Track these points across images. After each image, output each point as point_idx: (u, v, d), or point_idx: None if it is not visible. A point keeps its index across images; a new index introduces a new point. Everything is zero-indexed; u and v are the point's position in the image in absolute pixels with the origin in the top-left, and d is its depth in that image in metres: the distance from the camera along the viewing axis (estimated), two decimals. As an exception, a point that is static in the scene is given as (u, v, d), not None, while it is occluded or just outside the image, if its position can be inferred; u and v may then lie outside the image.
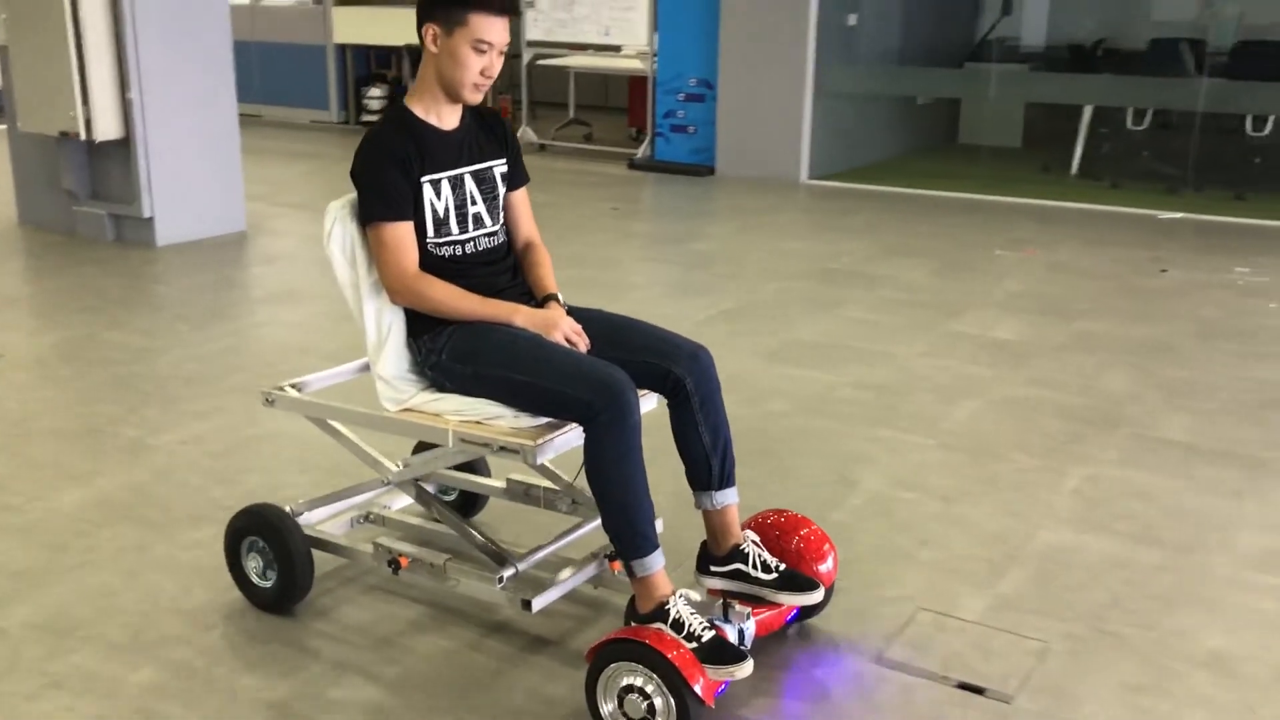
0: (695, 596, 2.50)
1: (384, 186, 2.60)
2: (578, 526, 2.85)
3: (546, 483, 2.99)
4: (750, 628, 2.53)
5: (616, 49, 9.98)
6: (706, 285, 6.06)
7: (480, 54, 2.59)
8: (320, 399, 2.88)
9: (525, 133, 10.56)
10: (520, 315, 2.61)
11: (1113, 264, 6.61)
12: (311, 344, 4.97)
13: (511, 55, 11.07)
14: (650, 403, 2.64)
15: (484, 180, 2.76)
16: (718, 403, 2.65)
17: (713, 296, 5.80)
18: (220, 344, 4.95)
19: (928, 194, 8.79)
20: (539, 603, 2.56)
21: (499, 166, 2.80)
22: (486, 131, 2.80)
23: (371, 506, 3.08)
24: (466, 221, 2.71)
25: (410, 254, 2.62)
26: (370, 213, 2.61)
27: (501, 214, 2.80)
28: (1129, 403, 4.37)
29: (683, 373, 2.59)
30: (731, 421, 2.73)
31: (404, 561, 2.72)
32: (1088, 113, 9.46)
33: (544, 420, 2.52)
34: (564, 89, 11.72)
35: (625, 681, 2.31)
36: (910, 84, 10.46)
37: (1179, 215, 8.01)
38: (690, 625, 2.37)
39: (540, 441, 2.44)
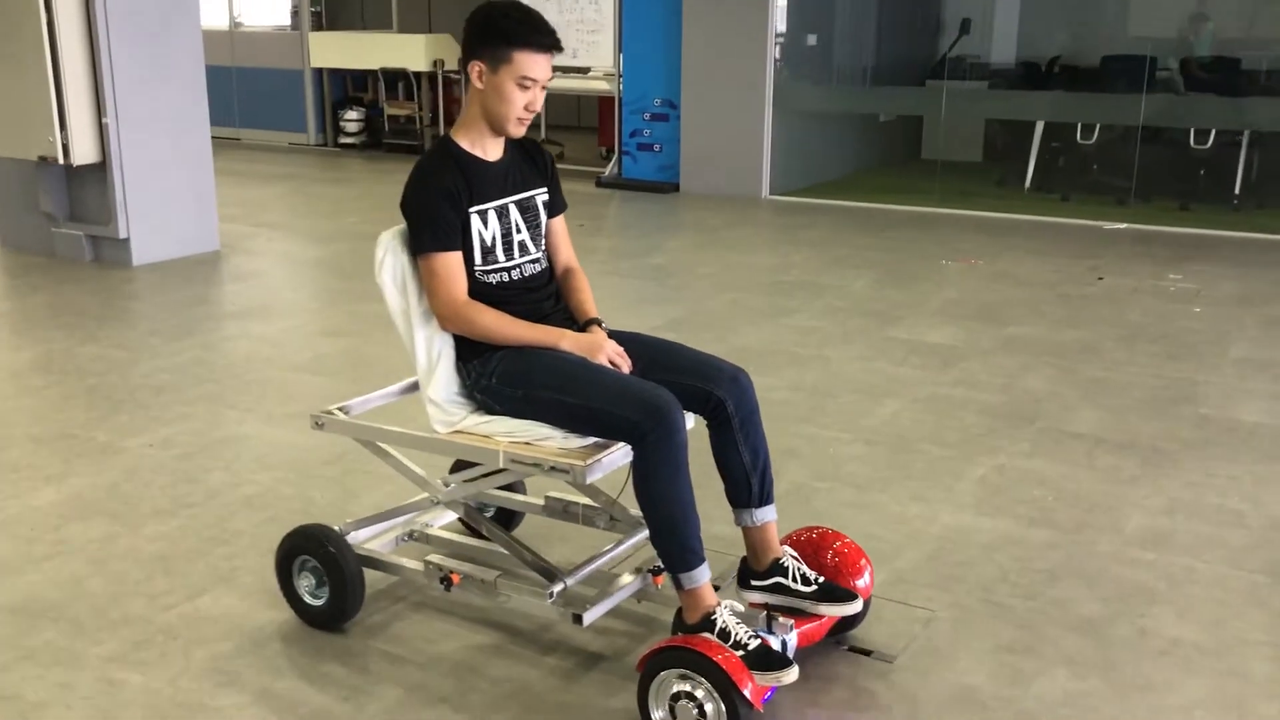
0: (740, 608, 2.64)
1: (434, 219, 2.69)
2: (620, 542, 2.92)
3: (586, 500, 3.07)
4: (793, 639, 2.64)
5: (584, 71, 10.28)
6: (659, 296, 6.33)
7: (525, 90, 2.68)
8: (367, 421, 2.94)
9: (496, 153, 10.83)
10: (566, 340, 2.70)
11: (1052, 273, 6.90)
12: (279, 356, 5.22)
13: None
14: (689, 423, 2.70)
15: (527, 209, 2.84)
16: (757, 423, 2.77)
17: (664, 307, 6.08)
18: (190, 356, 5.20)
19: (885, 208, 9.10)
20: (589, 616, 2.64)
21: (541, 195, 2.88)
22: (528, 161, 2.89)
23: (412, 525, 3.14)
24: (512, 249, 2.80)
25: (459, 283, 2.71)
26: (421, 244, 2.70)
27: (543, 241, 2.89)
28: (1046, 400, 4.64)
29: (724, 395, 2.70)
30: None
31: (455, 579, 2.81)
32: (1039, 128, 9.79)
33: (591, 440, 2.62)
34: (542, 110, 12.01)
35: (676, 689, 2.42)
36: (866, 102, 10.80)
37: (1123, 226, 8.32)
38: (736, 634, 2.48)
39: (590, 461, 2.54)
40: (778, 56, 9.48)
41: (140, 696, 2.64)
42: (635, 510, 2.95)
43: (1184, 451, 4.10)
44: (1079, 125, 9.46)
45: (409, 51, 11.55)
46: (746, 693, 2.36)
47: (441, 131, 11.82)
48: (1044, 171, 9.80)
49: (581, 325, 2.83)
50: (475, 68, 2.69)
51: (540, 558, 2.81)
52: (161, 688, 2.67)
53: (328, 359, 5.18)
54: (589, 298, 2.92)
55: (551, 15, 9.87)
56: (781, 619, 2.67)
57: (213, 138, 7.27)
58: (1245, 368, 5.06)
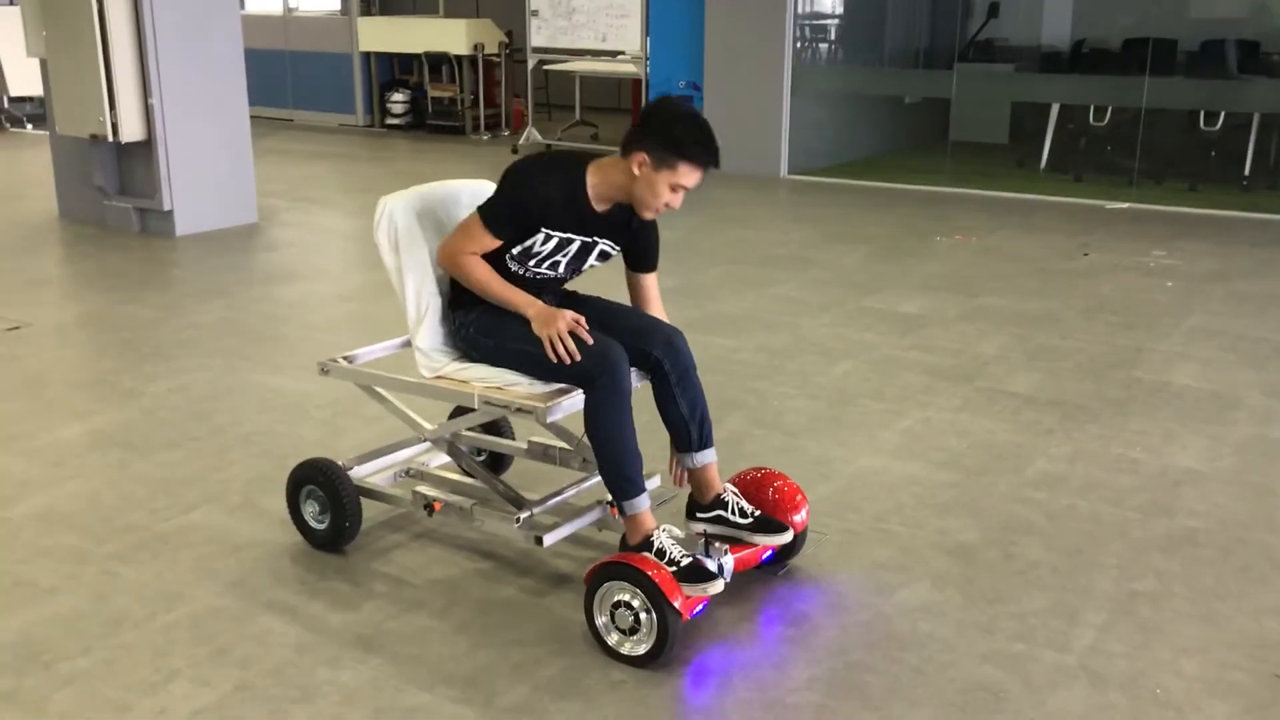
0: (677, 532, 3.00)
1: (509, 205, 2.99)
2: (585, 479, 3.28)
3: (562, 443, 3.42)
4: (729, 562, 2.96)
5: (614, 54, 10.69)
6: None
7: (675, 192, 2.92)
8: (367, 369, 3.33)
9: (531, 133, 11.31)
10: (533, 309, 2.98)
11: (1041, 249, 7.18)
12: (295, 316, 5.72)
13: (518, 60, 11.85)
14: (636, 383, 3.02)
15: (586, 249, 3.07)
16: (693, 378, 3.06)
17: (659, 277, 6.47)
18: (216, 315, 5.72)
19: (900, 188, 9.40)
20: (549, 538, 3.00)
21: (607, 246, 3.09)
22: (625, 224, 3.07)
23: (412, 464, 3.51)
24: (543, 265, 3.07)
25: (475, 246, 3.01)
26: (484, 206, 3.01)
27: (576, 274, 3.15)
28: (993, 363, 4.98)
29: (660, 354, 3.00)
30: None
31: (437, 506, 3.18)
32: (1055, 110, 10.00)
33: (555, 386, 2.97)
34: (574, 92, 12.47)
35: (616, 598, 2.76)
36: (887, 84, 11.06)
37: (1125, 205, 8.55)
38: (671, 553, 2.83)
39: (549, 404, 2.89)
40: (800, 39, 9.81)
41: (132, 586, 3.13)
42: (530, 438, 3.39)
43: (1105, 409, 4.43)
44: (1091, 107, 9.66)
45: (451, 36, 12.04)
46: (676, 604, 2.71)
47: (482, 113, 12.32)
48: (1059, 153, 10.02)
49: None
50: (638, 157, 2.88)
51: (511, 489, 3.22)
52: (150, 580, 3.16)
53: (339, 319, 5.67)
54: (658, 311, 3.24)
55: (582, 1, 10.34)
56: (718, 544, 3.02)
57: (266, 119, 7.83)
58: (1194, 336, 5.34)
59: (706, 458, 3.11)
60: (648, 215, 2.99)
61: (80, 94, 7.18)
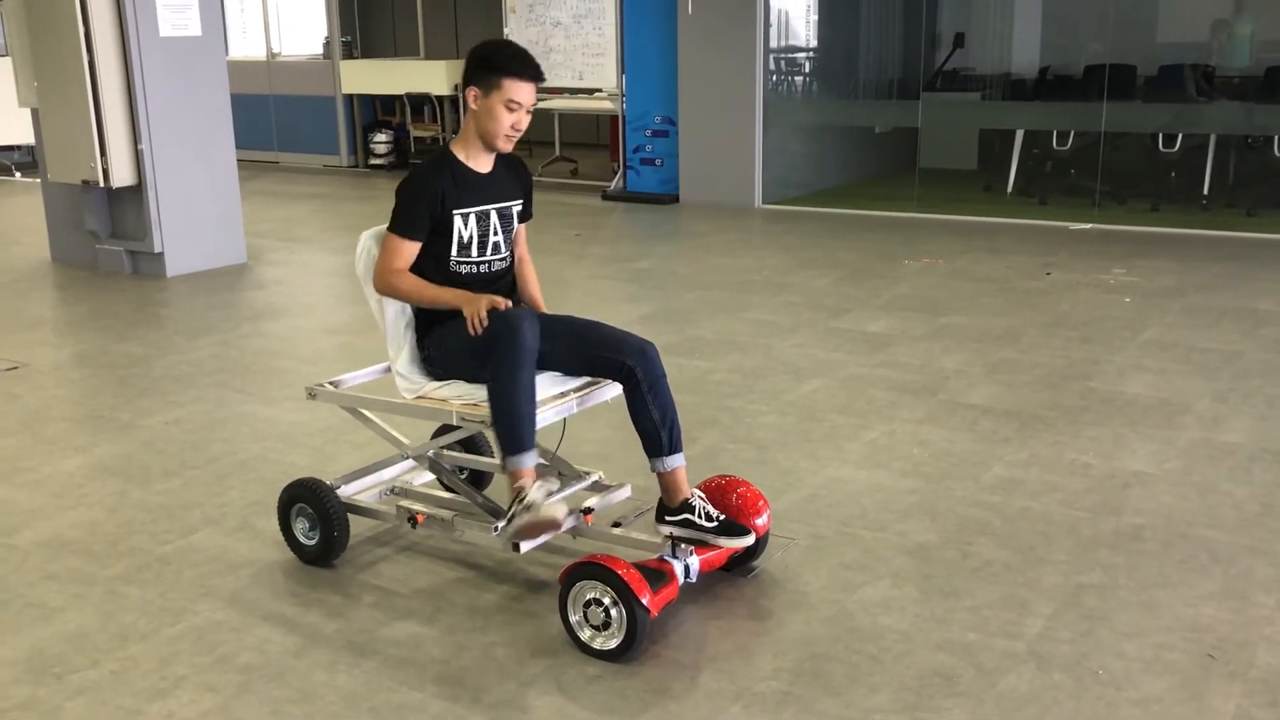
0: (552, 487, 3.15)
1: (409, 210, 3.26)
2: (560, 491, 3.38)
3: (541, 460, 3.56)
4: (694, 563, 3.14)
5: (591, 91, 10.96)
6: (635, 295, 6.96)
7: (511, 112, 3.23)
8: (352, 393, 3.56)
9: (510, 170, 11.54)
10: (461, 297, 3.21)
11: (1005, 269, 7.43)
12: (284, 350, 5.92)
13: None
14: (615, 390, 3.32)
15: (505, 217, 3.39)
16: (663, 388, 3.25)
17: (637, 304, 6.71)
18: (207, 351, 5.91)
19: (870, 214, 9.67)
20: (525, 545, 3.16)
21: (517, 206, 3.45)
22: (511, 175, 3.44)
23: (397, 482, 3.68)
24: (486, 249, 3.35)
25: (400, 261, 3.26)
26: (391, 223, 3.28)
27: (511, 243, 3.44)
28: (954, 377, 5.20)
29: (633, 363, 3.21)
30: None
31: (420, 518, 3.36)
32: (1020, 136, 10.31)
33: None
34: (553, 129, 12.74)
35: (588, 596, 2.95)
36: (856, 115, 11.38)
37: (1088, 226, 8.82)
38: (534, 500, 3.05)
39: None
40: (771, 72, 10.10)
41: (137, 604, 3.31)
42: (576, 464, 3.60)
43: (1060, 417, 4.65)
44: (1055, 133, 9.97)
45: (432, 76, 12.31)
46: (644, 600, 2.91)
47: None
48: (1024, 177, 10.31)
49: None
50: (471, 92, 3.25)
51: (489, 500, 3.43)
52: (154, 598, 3.34)
53: (326, 352, 5.87)
54: (536, 288, 3.57)
55: (559, 40, 10.66)
56: (684, 546, 3.21)
57: (251, 161, 8.03)
58: (1149, 349, 5.58)
59: (676, 462, 3.29)
60: (502, 145, 3.27)
61: (71, 141, 7.39)
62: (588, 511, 3.39)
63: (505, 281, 3.46)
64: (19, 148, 12.80)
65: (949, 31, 11.87)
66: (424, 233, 3.28)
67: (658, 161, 10.53)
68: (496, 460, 3.76)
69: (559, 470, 3.59)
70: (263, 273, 7.88)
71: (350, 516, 3.52)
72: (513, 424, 3.11)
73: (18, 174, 12.69)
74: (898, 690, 2.81)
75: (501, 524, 3.16)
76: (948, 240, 8.48)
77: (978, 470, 4.14)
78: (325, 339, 6.16)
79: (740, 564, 3.41)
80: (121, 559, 3.59)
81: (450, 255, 3.32)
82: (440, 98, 12.39)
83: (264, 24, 13.76)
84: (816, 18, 11.41)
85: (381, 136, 12.94)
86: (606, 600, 2.95)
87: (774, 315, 6.39)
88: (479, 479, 3.93)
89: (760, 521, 3.36)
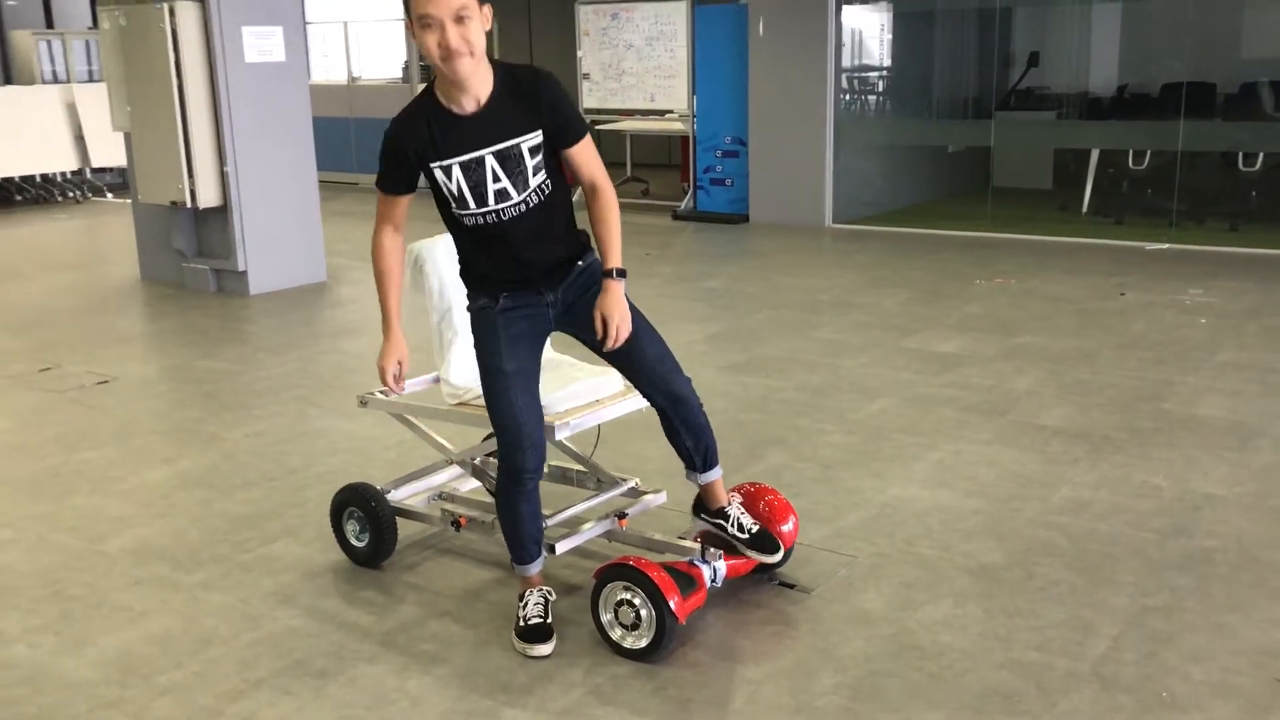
0: (553, 596, 3.19)
1: (382, 163, 2.99)
2: (596, 496, 3.58)
3: (578, 466, 3.70)
4: (721, 567, 3.24)
5: (663, 113, 11.07)
6: (703, 315, 7.02)
7: (428, 29, 2.77)
8: (400, 400, 3.64)
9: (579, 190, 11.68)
10: (384, 339, 3.19)
11: (1079, 290, 7.36)
12: (360, 366, 6.07)
13: (571, 121, 12.27)
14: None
15: (508, 158, 2.90)
16: (695, 418, 3.18)
17: (705, 323, 6.76)
18: (289, 367, 6.09)
19: (943, 234, 9.62)
20: (561, 546, 3.29)
21: (527, 141, 2.90)
22: (522, 105, 2.89)
23: (446, 488, 3.82)
24: (485, 198, 2.92)
25: (390, 217, 3.07)
26: (377, 179, 3.04)
27: (534, 179, 2.93)
28: (1025, 398, 5.18)
29: (661, 403, 3.15)
30: None
31: (463, 521, 3.50)
32: (1095, 155, 10.20)
33: (566, 406, 3.28)
34: (625, 150, 12.89)
35: (619, 597, 3.05)
36: (928, 134, 11.33)
37: (1165, 246, 8.70)
38: (527, 611, 3.12)
39: (559, 422, 3.20)
40: (843, 91, 10.12)
41: (218, 609, 3.44)
42: (611, 469, 3.68)
43: (1132, 439, 4.61)
44: (1131, 151, 9.84)
45: (506, 99, 12.48)
46: (673, 604, 3.01)
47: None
48: (1100, 196, 10.19)
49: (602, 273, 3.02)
50: (408, 34, 3.12)
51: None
52: (234, 604, 3.47)
53: (414, 369, 5.99)
54: (613, 236, 2.99)
55: (630, 62, 10.80)
56: (712, 549, 3.29)
57: (332, 183, 8.25)
58: (1224, 370, 5.50)
59: (710, 476, 3.30)
60: (450, 69, 2.80)
61: (160, 164, 7.66)
62: (622, 516, 3.46)
63: (537, 232, 3.01)
64: (110, 170, 13.26)
65: (1023, 50, 11.78)
66: (402, 186, 3.01)
67: (728, 181, 10.59)
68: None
69: (597, 478, 3.67)
70: (341, 291, 8.07)
71: (402, 521, 3.66)
72: (514, 540, 3.17)
73: (109, 195, 13.14)
74: (957, 708, 2.83)
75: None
76: (1021, 260, 8.42)
77: (1046, 491, 4.13)
78: (416, 356, 6.28)
79: (769, 570, 3.47)
80: (204, 566, 3.73)
81: (451, 208, 3.00)
82: (515, 119, 12.57)
83: (345, 50, 14.11)
84: (889, 37, 11.40)
85: (457, 158, 13.15)
86: (637, 601, 3.04)
87: (843, 334, 6.41)
88: None
89: (786, 528, 3.43)
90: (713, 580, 3.25)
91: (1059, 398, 5.16)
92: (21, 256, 9.96)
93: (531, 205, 2.97)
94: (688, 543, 3.36)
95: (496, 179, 2.92)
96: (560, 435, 3.27)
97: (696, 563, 3.24)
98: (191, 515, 4.15)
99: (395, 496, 3.75)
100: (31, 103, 12.75)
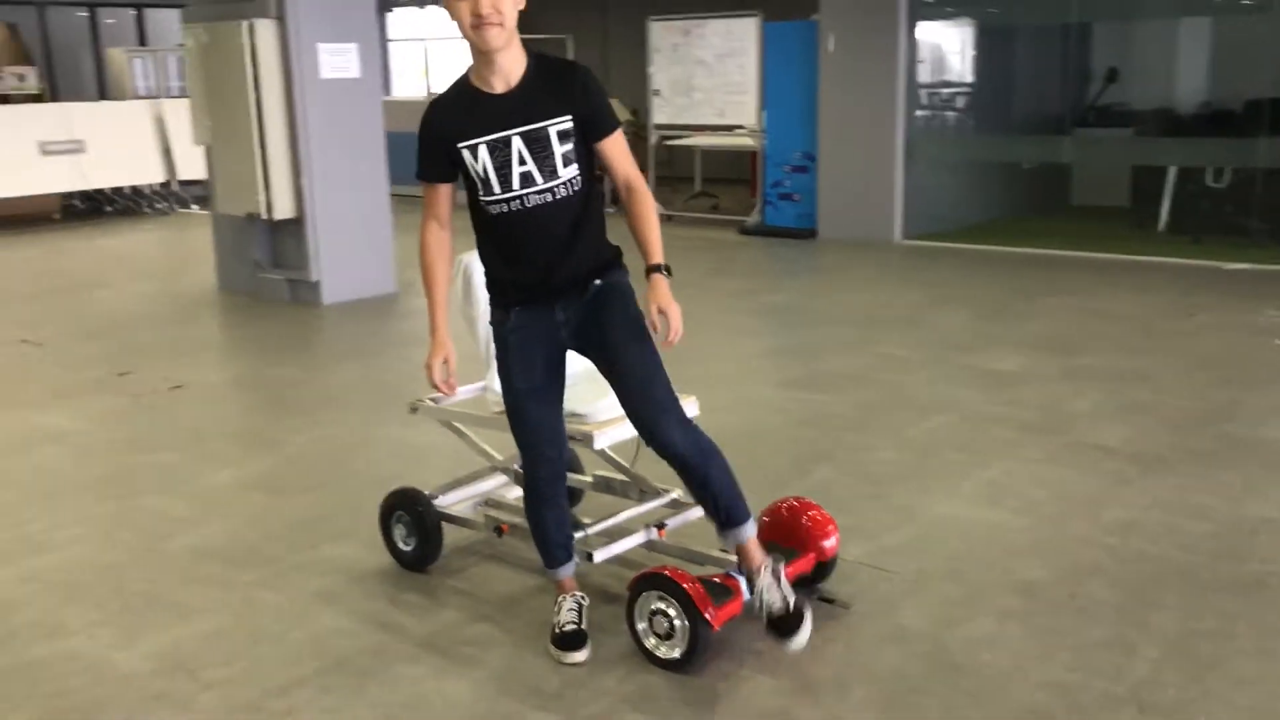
0: (586, 602, 3.22)
1: (420, 149, 2.97)
2: (637, 506, 3.60)
3: (622, 476, 3.74)
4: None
5: (732, 128, 11.10)
6: (763, 329, 7.04)
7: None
8: (449, 408, 3.75)
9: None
10: (432, 337, 3.11)
11: (1147, 309, 7.23)
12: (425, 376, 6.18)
13: (643, 137, 12.38)
14: (692, 408, 3.26)
15: (535, 140, 2.85)
16: (700, 473, 2.99)
17: (764, 338, 6.78)
18: (355, 376, 6.23)
19: (1015, 251, 9.50)
20: (599, 555, 3.34)
21: (557, 125, 2.86)
22: (552, 90, 2.87)
23: (493, 494, 3.88)
24: (510, 181, 2.86)
25: (433, 209, 3.03)
26: (417, 168, 3.02)
27: (564, 171, 2.88)
28: (1082, 418, 5.11)
29: (655, 448, 2.98)
30: (725, 428, 3.42)
31: (505, 528, 3.56)
32: (1173, 172, 10.00)
33: (606, 416, 3.27)
34: (695, 165, 12.94)
35: (654, 606, 3.08)
36: (1001, 150, 11.20)
37: (1244, 266, 8.49)
38: (562, 618, 3.15)
39: (599, 432, 3.25)
40: (915, 106, 10.07)
41: (268, 607, 3.54)
42: (657, 481, 3.71)
43: (1188, 461, 4.53)
44: (1210, 169, 9.64)
45: (578, 114, 12.62)
46: (707, 615, 3.03)
47: (606, 187, 12.85)
48: (1178, 214, 9.99)
49: (646, 271, 2.93)
50: (447, 8, 2.88)
51: (569, 513, 3.56)
52: (283, 603, 3.57)
53: (467, 377, 6.09)
54: (652, 234, 2.94)
55: (701, 78, 10.83)
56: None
57: (405, 196, 8.36)
58: (1294, 393, 5.37)
59: (738, 537, 3.06)
60: (482, 40, 2.77)
61: (238, 176, 7.89)
62: (661, 526, 3.49)
63: (564, 223, 2.94)
64: (196, 183, 13.64)
65: (1101, 66, 11.61)
66: (440, 173, 2.97)
67: (796, 197, 10.59)
68: (587, 478, 3.93)
69: (640, 489, 3.71)
70: (411, 303, 8.23)
71: (451, 526, 3.74)
72: (540, 544, 3.24)
73: (194, 207, 13.53)
74: (990, 726, 2.81)
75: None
76: (1093, 278, 8.29)
77: (1096, 511, 4.07)
78: (466, 365, 6.38)
79: (808, 584, 3.46)
80: (259, 566, 3.84)
81: (479, 196, 2.93)
82: (587, 135, 12.70)
83: (425, 66, 14.39)
84: (962, 53, 11.32)
85: (530, 172, 13.31)
86: (671, 611, 3.06)
87: (903, 351, 6.37)
88: (571, 495, 4.05)
89: (828, 544, 3.43)
90: (750, 593, 3.26)
91: (1117, 418, 5.08)
92: (108, 266, 10.31)
93: (559, 198, 2.90)
94: (726, 554, 3.38)
95: (523, 161, 2.86)
96: (599, 444, 3.32)
97: (734, 574, 3.26)
98: (250, 517, 4.28)
99: (442, 502, 3.82)
100: (123, 117, 13.21)
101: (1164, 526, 3.92)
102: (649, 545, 3.54)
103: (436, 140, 2.93)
